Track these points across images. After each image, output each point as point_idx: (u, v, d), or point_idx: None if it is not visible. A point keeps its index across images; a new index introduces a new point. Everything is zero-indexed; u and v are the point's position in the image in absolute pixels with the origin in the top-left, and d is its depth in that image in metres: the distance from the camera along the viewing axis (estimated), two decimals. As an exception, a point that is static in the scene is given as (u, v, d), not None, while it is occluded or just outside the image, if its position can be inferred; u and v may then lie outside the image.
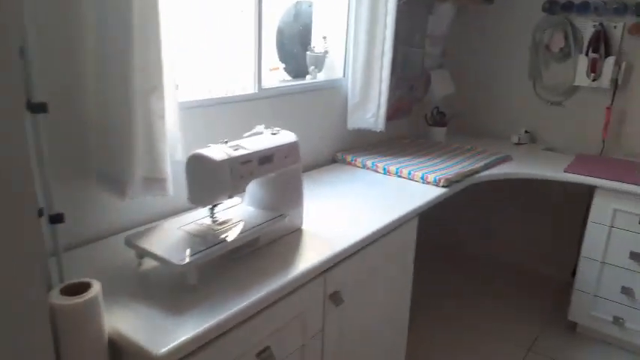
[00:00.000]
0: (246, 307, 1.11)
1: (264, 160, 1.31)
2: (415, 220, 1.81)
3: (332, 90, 2.25)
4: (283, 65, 2.19)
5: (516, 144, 2.78)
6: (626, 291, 2.21)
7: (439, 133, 2.75)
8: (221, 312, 1.07)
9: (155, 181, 1.30)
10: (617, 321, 2.25)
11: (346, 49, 2.27)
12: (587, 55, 2.56)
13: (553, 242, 2.88)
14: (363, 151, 2.39)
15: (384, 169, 2.16)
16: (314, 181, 2.01)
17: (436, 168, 2.17)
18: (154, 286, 1.18)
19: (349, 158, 2.28)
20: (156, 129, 1.26)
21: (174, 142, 1.37)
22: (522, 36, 2.78)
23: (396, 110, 2.58)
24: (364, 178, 2.09)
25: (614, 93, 2.56)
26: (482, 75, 2.98)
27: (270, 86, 1.90)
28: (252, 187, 1.43)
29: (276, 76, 2.16)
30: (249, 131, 1.43)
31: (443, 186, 2.00)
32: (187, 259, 1.12)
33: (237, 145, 1.27)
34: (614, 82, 2.54)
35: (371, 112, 2.28)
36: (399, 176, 2.12)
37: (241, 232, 1.27)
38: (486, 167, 2.30)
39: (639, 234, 2.15)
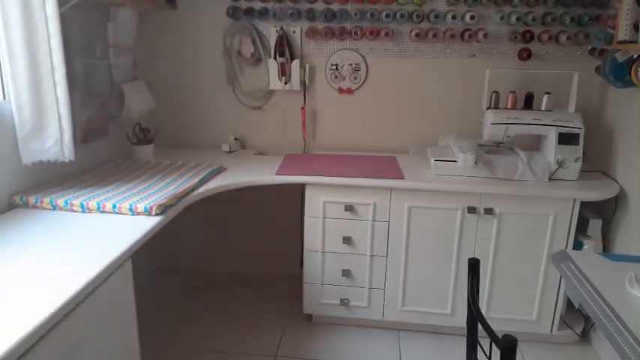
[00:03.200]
0: None
1: None
2: (128, 262, 1.52)
3: (-11, 118, 1.74)
4: None
5: (228, 152, 2.74)
6: (346, 273, 2.41)
7: (146, 151, 2.48)
8: None
9: None
10: (344, 302, 2.44)
11: (1, 65, 1.77)
12: (275, 59, 2.68)
13: (283, 242, 2.97)
14: (53, 187, 1.94)
15: (82, 205, 1.78)
16: (-21, 244, 1.49)
17: (147, 193, 1.91)
18: None
19: (33, 200, 1.80)
20: None
21: None
22: (214, 42, 2.73)
23: (87, 133, 2.19)
24: (56, 222, 1.68)
25: (304, 93, 2.76)
26: (182, 84, 2.82)
27: None
28: None
29: None
30: None
31: (157, 214, 1.76)
32: None
33: None
34: (303, 84, 2.73)
35: (52, 139, 1.86)
36: (103, 212, 1.78)
37: None
38: (202, 183, 2.16)
39: (346, 220, 2.35)
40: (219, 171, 2.34)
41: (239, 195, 2.71)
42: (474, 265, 1.37)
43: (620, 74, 2.06)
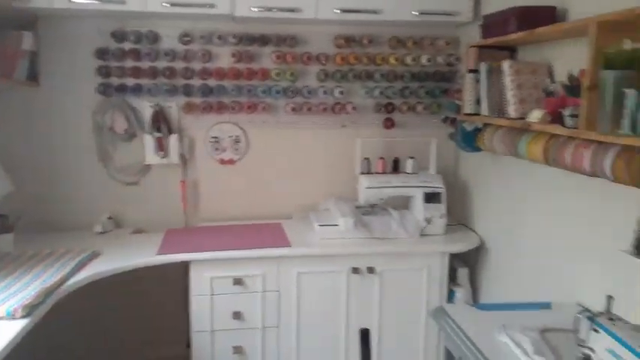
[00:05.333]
0: None
1: None
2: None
3: None
4: None
5: (101, 233, 2.55)
6: (237, 350, 2.34)
7: (5, 241, 2.22)
8: None
9: None
10: (238, 382, 2.36)
11: None
12: (151, 134, 2.62)
13: (167, 321, 2.78)
14: None
15: None
16: None
17: (8, 292, 1.70)
18: None
19: None
20: None
21: None
22: (83, 119, 2.59)
23: None
24: None
25: (184, 167, 2.72)
26: (46, 164, 2.60)
27: None
28: None
29: None
30: None
31: (22, 316, 1.58)
32: None
33: None
34: (183, 157, 2.69)
35: None
36: (-47, 321, 1.54)
37: None
38: (73, 273, 1.98)
39: (235, 294, 2.31)
40: (92, 257, 2.17)
41: (117, 277, 2.53)
42: (365, 335, 1.43)
43: (469, 141, 2.37)
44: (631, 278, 1.55)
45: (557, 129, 1.63)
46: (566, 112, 1.57)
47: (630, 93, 1.30)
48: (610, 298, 1.33)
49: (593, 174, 1.52)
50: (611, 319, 1.28)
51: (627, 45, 1.34)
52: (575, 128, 1.54)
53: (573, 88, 1.63)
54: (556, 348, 1.50)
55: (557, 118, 1.65)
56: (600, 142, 1.47)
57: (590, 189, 1.73)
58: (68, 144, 2.62)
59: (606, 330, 1.25)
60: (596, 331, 1.29)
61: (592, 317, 1.31)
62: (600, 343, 1.28)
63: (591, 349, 1.31)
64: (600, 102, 1.41)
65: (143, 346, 2.81)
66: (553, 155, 1.68)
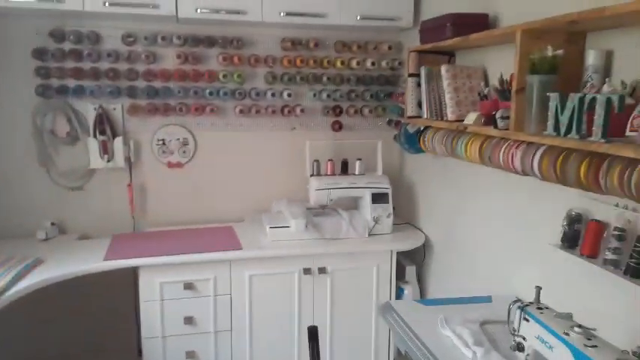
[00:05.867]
0: None
1: None
2: None
3: None
4: None
5: (44, 240, 2.47)
6: (190, 355, 2.32)
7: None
8: None
9: None
10: (190, 387, 2.34)
11: None
12: (95, 137, 2.56)
13: (117, 329, 2.72)
14: None
15: None
16: None
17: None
18: None
19: None
20: None
21: None
22: (21, 122, 2.50)
23: None
24: None
25: (130, 170, 2.67)
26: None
27: None
28: None
29: None
30: None
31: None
32: None
33: None
34: (129, 160, 2.64)
35: None
36: None
37: None
38: (15, 281, 1.91)
39: (187, 299, 2.29)
40: (35, 264, 2.10)
41: (65, 284, 2.46)
42: (313, 333, 1.46)
43: (412, 142, 2.45)
44: (560, 269, 1.66)
45: (490, 131, 1.72)
46: (498, 114, 1.66)
47: (553, 96, 1.40)
48: (538, 288, 1.42)
49: (524, 173, 1.62)
50: (539, 308, 1.37)
51: (549, 51, 1.44)
52: (506, 129, 1.64)
53: (504, 91, 1.73)
54: (494, 338, 1.59)
55: (490, 120, 1.74)
56: (529, 143, 1.56)
57: (523, 187, 1.83)
58: (6, 148, 2.52)
59: (534, 318, 1.34)
60: (526, 320, 1.38)
61: (523, 307, 1.40)
62: (530, 331, 1.36)
63: (523, 337, 1.40)
64: (527, 105, 1.51)
65: (94, 355, 2.73)
66: (488, 155, 1.77)
